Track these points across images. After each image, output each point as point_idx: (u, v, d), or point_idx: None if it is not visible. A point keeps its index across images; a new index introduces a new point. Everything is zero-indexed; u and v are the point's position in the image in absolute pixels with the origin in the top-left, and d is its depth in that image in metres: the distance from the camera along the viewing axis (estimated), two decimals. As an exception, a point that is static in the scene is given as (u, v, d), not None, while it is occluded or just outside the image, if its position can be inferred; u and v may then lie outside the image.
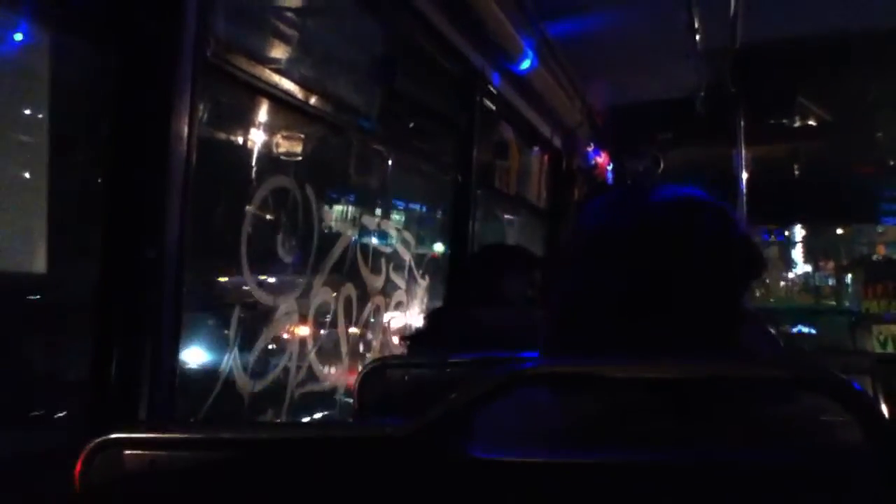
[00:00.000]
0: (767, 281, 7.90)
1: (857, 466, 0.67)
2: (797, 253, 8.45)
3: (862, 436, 0.66)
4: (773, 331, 1.83)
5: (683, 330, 0.85)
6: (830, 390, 0.68)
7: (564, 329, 0.91)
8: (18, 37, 1.43)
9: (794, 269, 8.39)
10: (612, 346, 0.85)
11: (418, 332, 2.37)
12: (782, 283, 8.21)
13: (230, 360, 2.02)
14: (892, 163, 5.62)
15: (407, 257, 3.22)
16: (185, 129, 1.47)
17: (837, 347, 4.98)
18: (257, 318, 2.17)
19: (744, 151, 4.98)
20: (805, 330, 5.70)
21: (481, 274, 2.33)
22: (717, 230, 0.90)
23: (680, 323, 0.85)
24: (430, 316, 2.38)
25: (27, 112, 1.47)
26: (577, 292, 0.91)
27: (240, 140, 2.17)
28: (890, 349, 4.79)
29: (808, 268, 8.31)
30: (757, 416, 0.81)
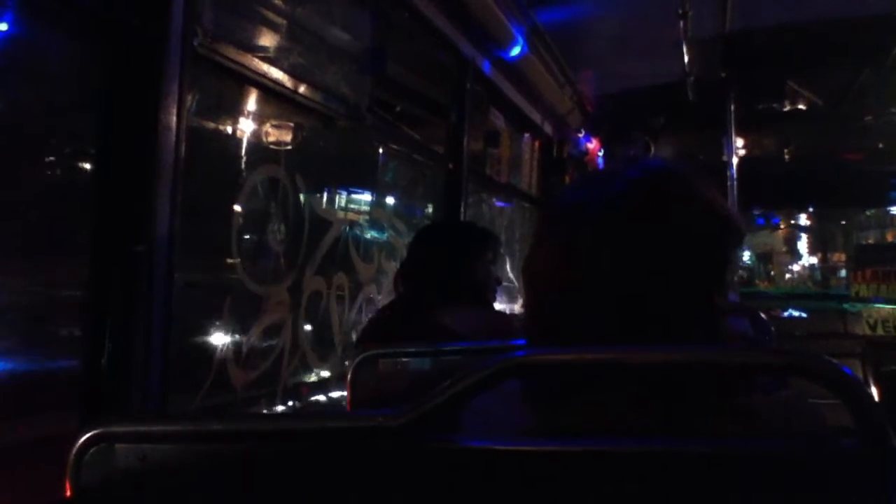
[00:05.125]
0: (772, 273, 7.85)
1: (846, 450, 0.68)
2: (803, 243, 8.36)
3: (852, 419, 0.67)
4: (763, 315, 1.84)
5: (664, 313, 0.84)
6: (820, 375, 0.68)
7: (543, 317, 0.90)
8: (2, 27, 1.42)
9: (799, 261, 8.30)
10: (590, 334, 0.84)
11: (369, 331, 2.14)
12: (787, 276, 8.14)
13: (222, 352, 2.02)
14: (881, 146, 5.64)
15: (398, 246, 3.22)
16: (174, 120, 1.46)
17: (828, 331, 5.01)
18: (248, 309, 2.16)
19: (734, 137, 4.99)
20: (796, 314, 5.73)
21: (436, 261, 2.09)
22: (686, 203, 0.88)
23: (659, 305, 0.84)
24: (382, 314, 2.19)
25: (11, 104, 1.46)
26: (551, 279, 0.90)
27: (229, 130, 2.16)
28: (880, 332, 4.83)
29: (815, 259, 8.21)
30: (746, 401, 0.81)
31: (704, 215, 0.88)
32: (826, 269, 7.71)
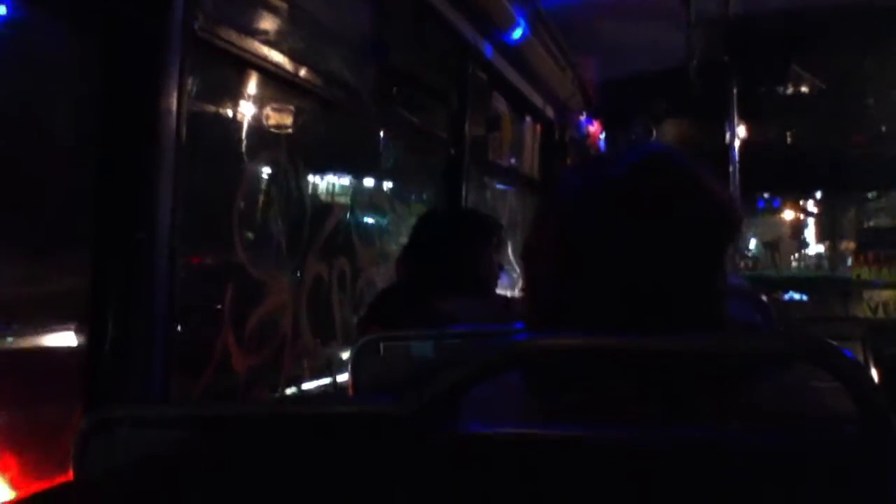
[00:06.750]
0: (778, 263, 7.82)
1: (848, 436, 0.68)
2: (811, 231, 8.29)
3: (853, 403, 0.67)
4: (764, 299, 1.84)
5: (665, 298, 0.84)
6: (821, 359, 0.68)
7: (542, 302, 0.91)
8: (3, 11, 1.41)
9: (806, 249, 8.24)
10: (591, 319, 0.84)
11: (370, 316, 2.15)
12: (794, 264, 8.09)
13: (224, 337, 2.02)
14: (883, 129, 5.62)
15: (399, 230, 3.22)
16: (175, 105, 1.46)
17: (829, 314, 5.02)
18: (250, 294, 2.17)
19: (736, 121, 4.97)
20: (797, 297, 5.73)
21: (438, 248, 2.09)
22: (685, 189, 0.88)
23: (659, 296, 0.84)
24: (383, 299, 2.20)
25: (9, 90, 1.45)
26: (550, 265, 0.90)
27: (230, 115, 2.15)
28: (881, 315, 4.83)
29: (821, 248, 8.11)
30: (748, 390, 0.81)
31: (703, 200, 0.88)
32: (835, 258, 7.63)
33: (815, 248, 8.23)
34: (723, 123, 5.02)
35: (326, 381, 2.60)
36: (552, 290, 0.90)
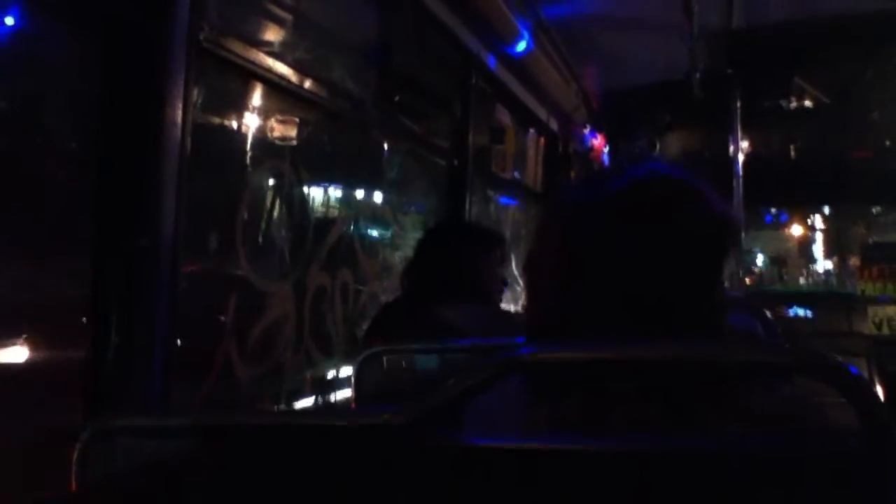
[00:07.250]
0: (785, 278, 7.78)
1: (851, 450, 0.68)
2: (818, 247, 8.24)
3: (857, 418, 0.66)
4: (769, 314, 1.83)
5: (665, 309, 0.84)
6: (826, 374, 0.68)
7: (544, 313, 0.91)
8: (9, 21, 1.41)
9: (813, 265, 8.18)
10: (593, 330, 0.85)
11: (373, 328, 2.17)
12: (801, 281, 8.05)
13: (226, 347, 2.02)
14: (888, 143, 5.61)
15: (402, 241, 3.22)
16: (179, 115, 1.46)
17: (834, 330, 5.00)
18: (253, 304, 2.16)
19: (740, 133, 4.98)
20: (801, 313, 5.70)
21: (441, 261, 2.11)
22: (686, 203, 0.89)
23: (660, 305, 0.84)
24: (387, 310, 2.22)
25: (17, 97, 1.46)
26: (553, 276, 0.91)
27: (234, 124, 2.16)
28: (885, 331, 4.81)
29: (829, 264, 8.05)
30: (749, 400, 0.81)
31: (703, 212, 0.89)
32: (844, 275, 7.55)
33: (822, 264, 8.16)
34: (726, 136, 5.02)
35: (329, 393, 2.59)
36: (554, 299, 0.90)
